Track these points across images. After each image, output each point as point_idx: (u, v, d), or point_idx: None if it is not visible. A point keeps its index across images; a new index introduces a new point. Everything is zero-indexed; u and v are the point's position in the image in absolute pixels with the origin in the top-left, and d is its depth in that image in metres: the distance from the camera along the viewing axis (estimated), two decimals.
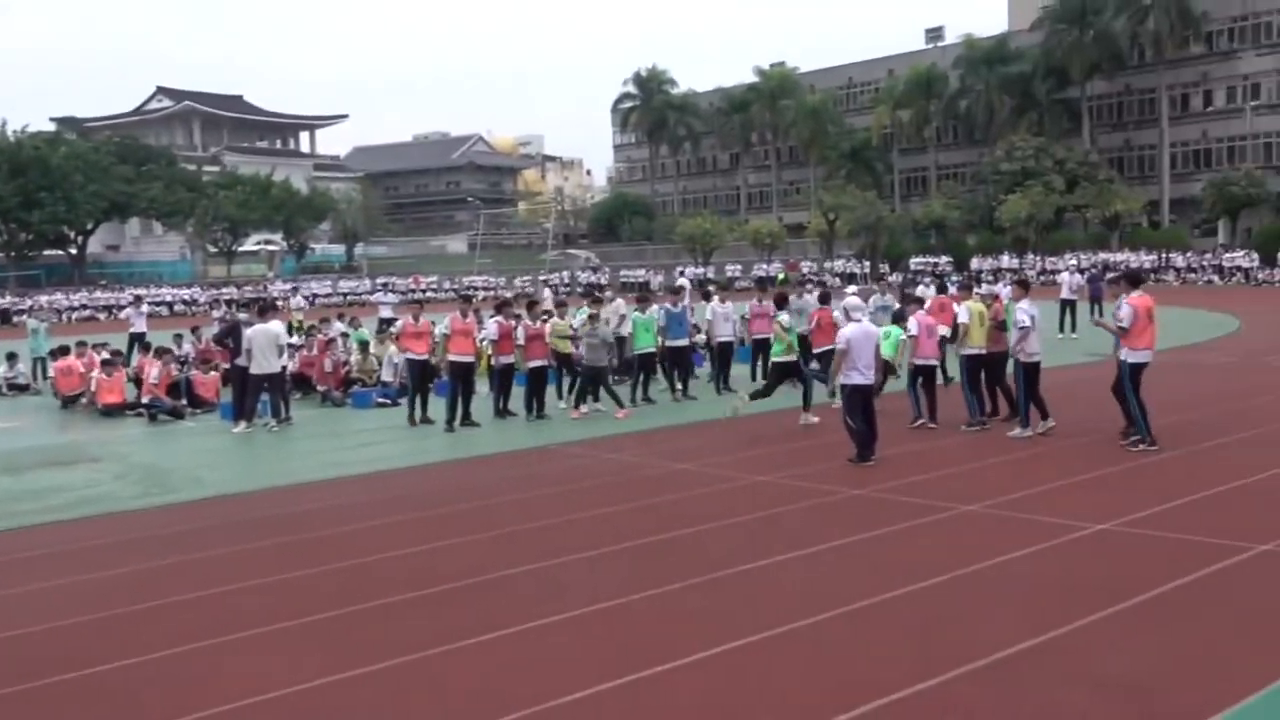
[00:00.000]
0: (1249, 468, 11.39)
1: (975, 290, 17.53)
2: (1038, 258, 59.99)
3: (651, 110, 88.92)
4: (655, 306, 19.30)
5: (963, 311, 15.13)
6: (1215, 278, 54.10)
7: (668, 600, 7.81)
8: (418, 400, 17.51)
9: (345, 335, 23.94)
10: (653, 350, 18.88)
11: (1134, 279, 13.44)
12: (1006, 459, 12.65)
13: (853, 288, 28.58)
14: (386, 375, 21.17)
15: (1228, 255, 56.00)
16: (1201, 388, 18.17)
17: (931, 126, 77.23)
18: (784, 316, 16.41)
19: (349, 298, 66.51)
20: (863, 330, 12.72)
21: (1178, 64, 67.04)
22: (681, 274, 57.44)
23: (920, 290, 22.49)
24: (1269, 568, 7.99)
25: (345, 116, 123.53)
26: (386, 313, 33.69)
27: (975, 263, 60.27)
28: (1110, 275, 29.28)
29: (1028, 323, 13.76)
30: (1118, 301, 13.28)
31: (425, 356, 17.57)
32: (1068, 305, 27.87)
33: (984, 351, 14.86)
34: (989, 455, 12.87)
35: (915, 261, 64.25)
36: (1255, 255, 54.18)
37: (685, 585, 8.09)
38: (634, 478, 12.48)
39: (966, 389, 14.92)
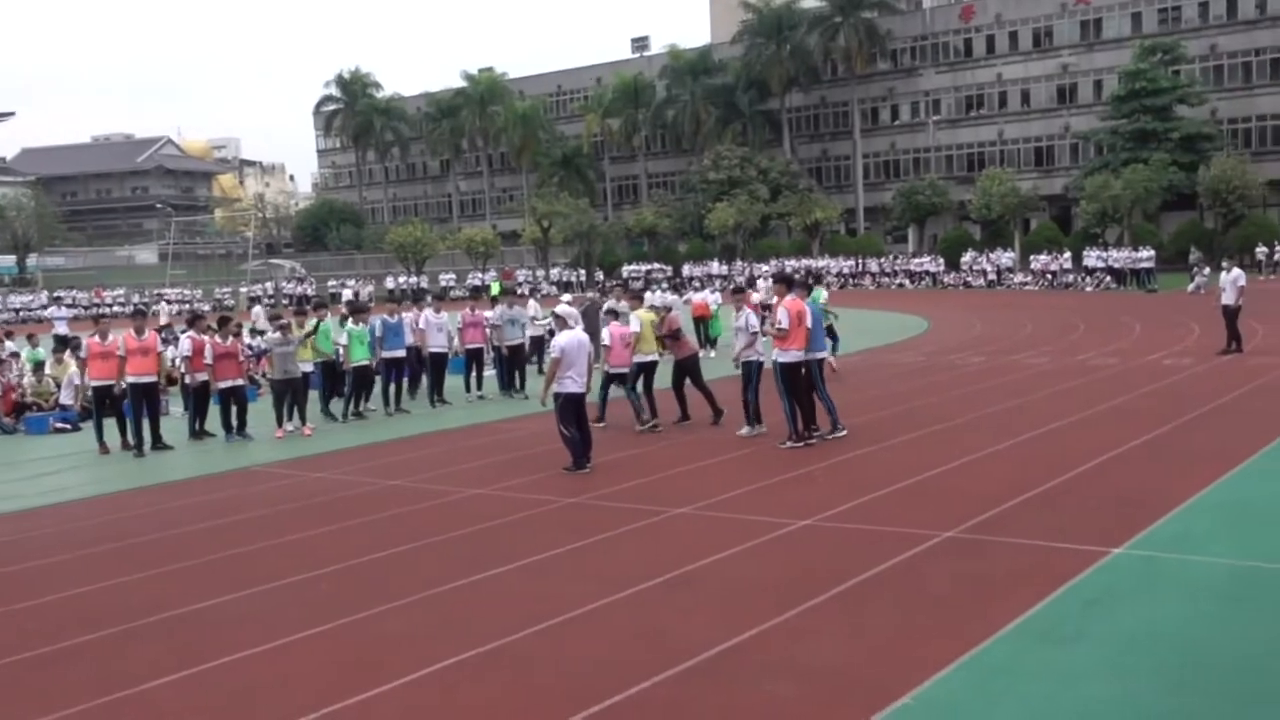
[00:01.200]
0: (934, 460, 12.35)
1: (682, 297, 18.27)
2: (745, 264, 62.86)
3: (356, 114, 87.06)
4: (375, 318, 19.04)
5: (634, 320, 15.71)
6: (906, 282, 58.37)
7: (376, 623, 7.65)
8: (103, 426, 16.33)
9: (16, 355, 22.12)
10: (367, 363, 18.50)
11: (787, 281, 14.34)
12: (718, 460, 13.17)
13: (567, 296, 28.99)
14: (66, 398, 19.72)
15: (916, 260, 60.58)
16: (894, 386, 19.56)
17: (641, 135, 79.48)
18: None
19: (22, 314, 61.39)
20: (576, 339, 12.90)
21: (867, 79, 72.06)
22: (345, 285, 56.68)
23: (701, 296, 25.19)
24: (951, 551, 8.69)
25: (11, 114, 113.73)
26: (62, 329, 31.40)
27: (687, 269, 62.51)
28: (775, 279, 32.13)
29: (757, 326, 14.45)
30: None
31: (109, 381, 16.17)
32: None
33: (653, 358, 15.86)
34: (702, 458, 13.36)
35: (628, 269, 65.90)
36: (941, 260, 58.88)
37: (394, 606, 7.95)
38: (342, 497, 12.15)
39: (632, 394, 15.57)
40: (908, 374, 21.47)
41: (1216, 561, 8.11)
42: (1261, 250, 50.57)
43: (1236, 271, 22.12)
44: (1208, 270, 42.19)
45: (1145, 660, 6.32)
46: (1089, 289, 49.47)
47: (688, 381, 16.00)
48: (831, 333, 20.04)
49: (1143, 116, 57.55)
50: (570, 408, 12.67)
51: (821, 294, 18.18)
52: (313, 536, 10.35)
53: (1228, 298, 21.51)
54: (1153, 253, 49.02)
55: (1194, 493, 10.15)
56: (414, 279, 66.20)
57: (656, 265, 65.77)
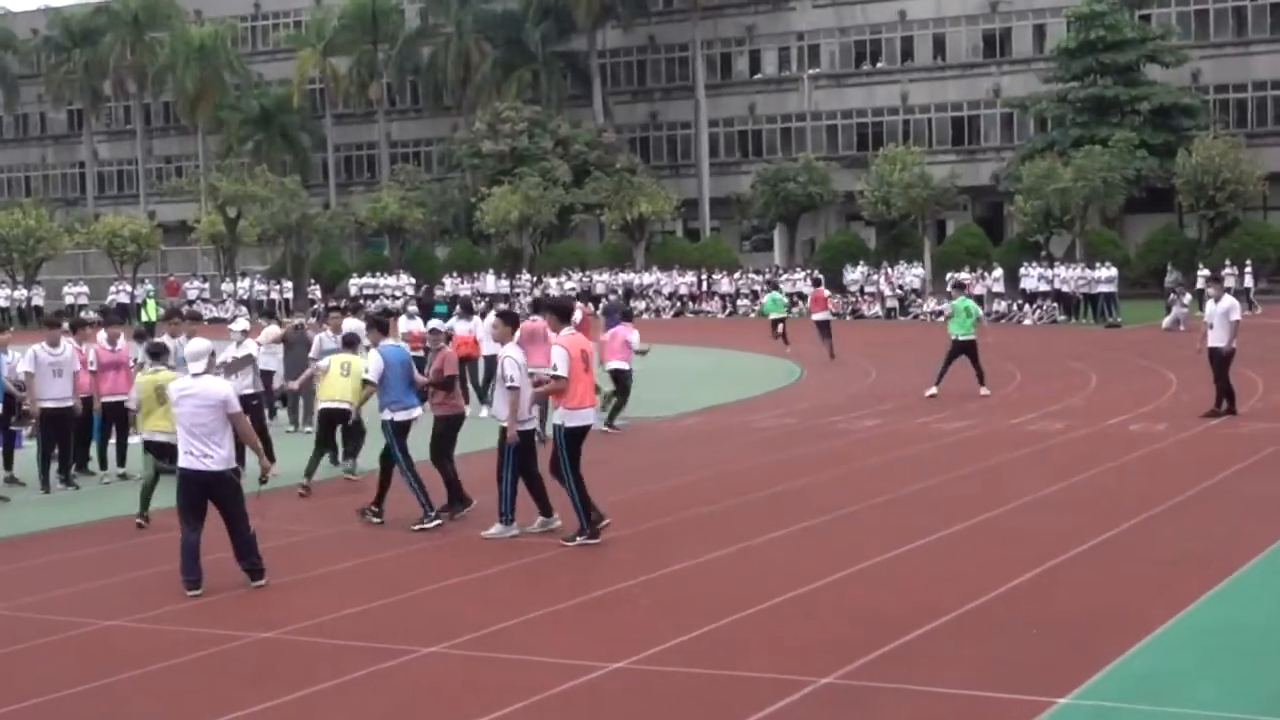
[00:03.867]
0: (807, 570, 12.49)
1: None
2: (536, 279, 62.46)
3: None
4: None
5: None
6: None
7: None
8: None
9: None
10: None
11: (563, 311, 14.64)
12: (481, 575, 13.02)
13: (239, 324, 28.38)
14: None
15: (787, 277, 61.58)
16: (753, 460, 19.78)
17: (381, 83, 79.06)
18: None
19: None
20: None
21: (715, 12, 73.39)
22: None
23: (468, 327, 24.11)
24: (831, 706, 8.78)
25: None
26: None
27: (449, 284, 61.67)
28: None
29: (515, 380, 14.06)
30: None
31: None
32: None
33: (343, 406, 17.02)
34: (463, 569, 13.20)
35: (357, 283, 64.42)
36: (821, 277, 60.07)
37: None
38: None
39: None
40: (773, 443, 21.78)
41: (1199, 714, 8.42)
42: (1228, 271, 46.77)
43: (1229, 301, 22.70)
44: (1189, 298, 44.20)
45: None
46: (1028, 321, 51.34)
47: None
48: (971, 352, 27.51)
49: (1100, 79, 60.23)
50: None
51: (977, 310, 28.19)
52: None
53: (1217, 338, 22.10)
54: (1115, 272, 50.81)
55: (1170, 615, 10.55)
56: (20, 292, 64.03)
57: (404, 277, 64.54)
